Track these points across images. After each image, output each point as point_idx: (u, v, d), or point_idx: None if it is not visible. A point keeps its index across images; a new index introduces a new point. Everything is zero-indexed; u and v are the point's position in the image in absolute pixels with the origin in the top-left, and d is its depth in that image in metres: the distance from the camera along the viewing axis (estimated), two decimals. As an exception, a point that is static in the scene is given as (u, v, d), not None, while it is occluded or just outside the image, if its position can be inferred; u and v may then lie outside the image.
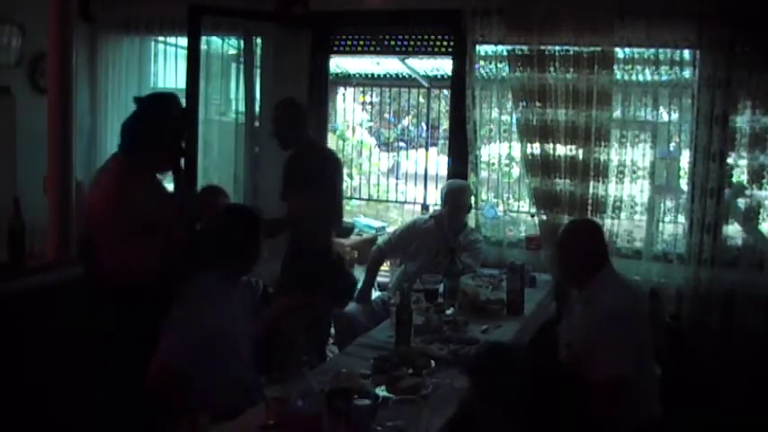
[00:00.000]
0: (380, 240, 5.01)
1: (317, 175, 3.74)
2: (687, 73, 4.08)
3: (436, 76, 6.40)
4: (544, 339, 3.46)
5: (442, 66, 5.98)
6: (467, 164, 4.57)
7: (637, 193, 4.23)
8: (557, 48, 4.20)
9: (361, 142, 7.57)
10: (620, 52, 4.16)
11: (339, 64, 6.34)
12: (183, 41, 4.88)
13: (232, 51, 5.23)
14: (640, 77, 4.15)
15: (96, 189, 2.87)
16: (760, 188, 3.96)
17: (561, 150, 4.25)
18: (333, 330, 4.23)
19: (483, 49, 4.56)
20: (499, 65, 4.48)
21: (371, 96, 7.55)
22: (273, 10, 4.76)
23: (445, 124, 6.64)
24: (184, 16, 4.67)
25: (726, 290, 3.99)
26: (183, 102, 4.54)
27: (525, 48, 4.26)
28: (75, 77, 3.68)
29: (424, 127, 7.36)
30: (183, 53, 4.94)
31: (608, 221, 4.20)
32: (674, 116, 4.18)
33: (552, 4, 4.15)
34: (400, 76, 6.67)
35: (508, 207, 4.90)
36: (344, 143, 7.31)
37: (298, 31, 4.84)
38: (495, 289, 3.69)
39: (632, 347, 2.64)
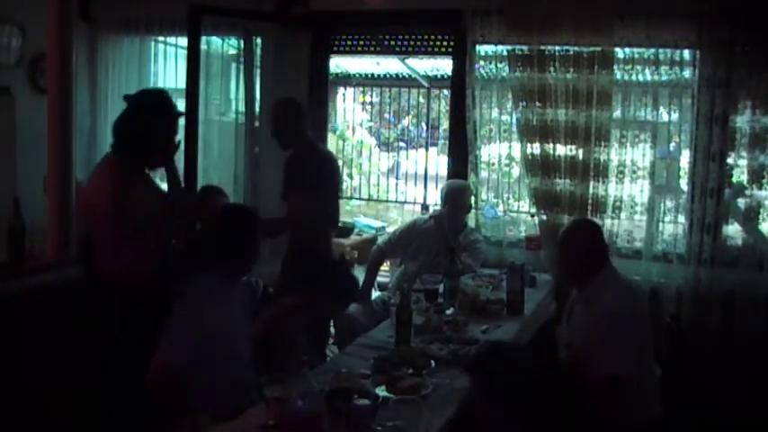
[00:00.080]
0: (380, 240, 5.01)
1: (317, 176, 3.74)
2: (687, 73, 4.08)
3: (436, 76, 6.40)
4: (544, 339, 3.46)
5: (442, 66, 5.97)
6: (467, 164, 4.57)
7: (637, 193, 4.23)
8: (557, 48, 4.20)
9: (361, 142, 7.56)
10: (620, 52, 4.16)
11: (339, 64, 6.33)
12: (183, 41, 4.88)
13: (232, 51, 5.23)
14: (640, 77, 4.15)
15: (91, 191, 2.87)
16: (760, 188, 3.96)
17: (561, 150, 4.25)
18: (333, 330, 4.23)
19: (483, 49, 4.56)
20: (499, 65, 4.48)
21: (371, 96, 7.54)
22: (273, 10, 4.77)
23: (445, 124, 6.64)
24: (184, 16, 4.67)
25: (726, 290, 3.99)
26: (184, 102, 4.56)
27: (525, 48, 4.25)
28: (76, 77, 3.68)
29: (424, 127, 7.35)
30: (183, 53, 4.94)
31: (608, 221, 4.20)
32: (674, 116, 4.18)
33: (552, 4, 4.15)
34: (400, 76, 6.66)
35: (508, 207, 4.90)
36: (344, 143, 7.31)
37: (298, 31, 4.84)
38: (495, 289, 3.69)
39: (632, 347, 2.64)
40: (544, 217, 4.35)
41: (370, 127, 7.93)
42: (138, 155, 2.86)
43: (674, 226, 4.22)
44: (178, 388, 2.32)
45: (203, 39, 4.83)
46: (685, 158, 4.27)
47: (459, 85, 4.53)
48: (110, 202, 2.74)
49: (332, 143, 6.27)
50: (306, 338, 3.17)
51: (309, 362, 2.20)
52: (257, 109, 5.12)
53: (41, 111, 3.60)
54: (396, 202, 7.60)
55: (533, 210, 4.48)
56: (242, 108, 5.14)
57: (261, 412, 2.11)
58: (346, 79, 6.81)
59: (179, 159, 3.45)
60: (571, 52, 4.18)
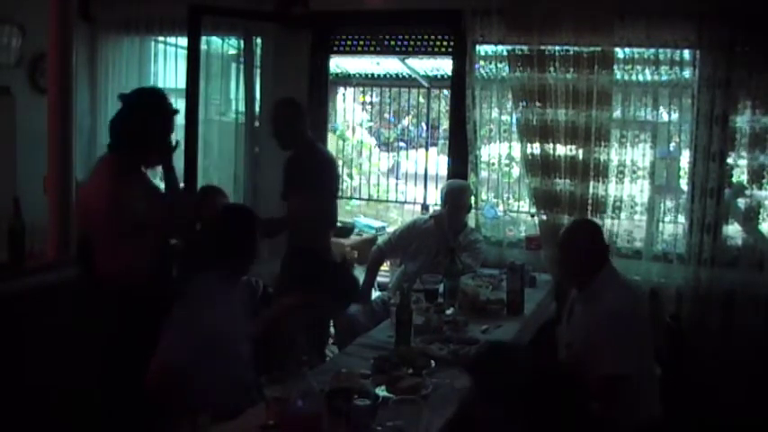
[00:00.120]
0: (380, 240, 5.01)
1: (317, 176, 3.74)
2: (687, 73, 4.08)
3: (436, 76, 6.40)
4: (544, 339, 3.46)
5: (442, 66, 5.97)
6: (467, 164, 4.57)
7: (637, 193, 4.23)
8: (557, 48, 4.20)
9: (361, 142, 7.56)
10: (620, 52, 4.16)
11: (339, 64, 6.33)
12: (183, 41, 4.88)
13: (232, 51, 5.23)
14: (640, 77, 4.15)
15: (89, 190, 2.87)
16: (760, 188, 3.96)
17: (561, 150, 4.25)
18: (333, 330, 4.23)
19: (483, 49, 4.56)
20: (499, 65, 4.48)
21: (371, 96, 7.54)
22: (273, 10, 4.77)
23: (445, 124, 6.64)
24: (184, 16, 4.67)
25: (726, 290, 3.99)
26: (184, 102, 4.56)
27: (525, 48, 4.26)
28: (76, 77, 3.67)
29: (424, 127, 7.35)
30: (183, 53, 4.94)
31: (608, 221, 4.20)
32: (674, 116, 4.18)
33: (552, 4, 4.15)
34: (400, 76, 6.66)
35: (508, 207, 4.90)
36: (344, 143, 7.30)
37: (298, 31, 4.84)
38: (495, 289, 3.69)
39: (632, 347, 2.64)
40: (544, 217, 4.35)
41: (370, 127, 7.93)
42: (134, 153, 2.87)
43: (674, 226, 4.23)
44: (178, 388, 2.32)
45: (203, 39, 4.83)
46: (685, 158, 4.27)
47: (459, 85, 4.53)
48: (108, 200, 2.74)
49: (332, 143, 6.27)
50: (306, 338, 3.17)
51: (309, 362, 2.19)
52: (257, 109, 5.11)
53: (41, 111, 3.59)
54: (396, 202, 7.60)
55: (533, 210, 4.48)
56: (242, 108, 5.13)
57: (261, 412, 2.11)
58: (346, 79, 6.80)
59: (179, 159, 3.46)
60: (571, 52, 4.18)
